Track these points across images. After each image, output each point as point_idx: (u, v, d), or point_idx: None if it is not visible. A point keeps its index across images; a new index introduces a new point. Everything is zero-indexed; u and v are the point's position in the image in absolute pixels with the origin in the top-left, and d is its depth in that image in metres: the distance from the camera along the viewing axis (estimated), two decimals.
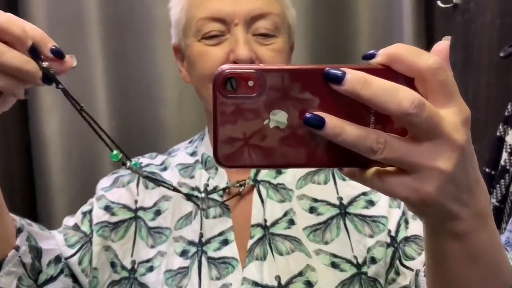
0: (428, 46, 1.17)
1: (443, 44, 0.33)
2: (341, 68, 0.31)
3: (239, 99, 0.33)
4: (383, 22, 1.23)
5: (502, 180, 0.77)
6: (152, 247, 0.64)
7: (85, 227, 0.66)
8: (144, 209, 0.67)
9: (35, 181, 1.20)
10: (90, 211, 0.67)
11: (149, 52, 1.21)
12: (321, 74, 0.32)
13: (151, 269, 0.63)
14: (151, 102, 1.21)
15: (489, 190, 0.79)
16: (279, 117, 0.33)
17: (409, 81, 0.32)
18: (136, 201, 0.68)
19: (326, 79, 0.31)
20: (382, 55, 0.32)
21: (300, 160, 0.33)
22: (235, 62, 0.60)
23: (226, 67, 0.33)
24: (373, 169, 0.33)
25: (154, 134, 1.19)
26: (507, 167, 0.76)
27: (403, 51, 0.31)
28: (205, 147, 0.70)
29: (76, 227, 0.66)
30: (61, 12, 1.17)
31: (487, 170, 0.80)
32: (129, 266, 0.64)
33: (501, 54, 0.82)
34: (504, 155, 0.77)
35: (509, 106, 0.79)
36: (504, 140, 0.78)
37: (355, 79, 0.30)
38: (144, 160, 0.74)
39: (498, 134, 0.80)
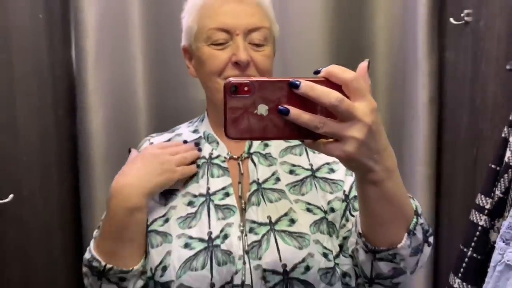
0: (440, 58, 1.26)
1: (363, 64, 0.54)
2: (299, 79, 0.51)
3: (239, 98, 0.52)
4: (399, 36, 1.34)
5: (506, 175, 0.86)
6: (165, 205, 0.82)
7: None
8: None
9: (79, 171, 1.29)
10: None
11: None
12: (288, 83, 0.51)
13: (166, 220, 0.80)
14: (185, 100, 1.30)
15: (494, 183, 0.89)
16: (262, 109, 0.52)
17: (338, 87, 0.51)
18: None
19: (290, 86, 0.51)
20: (323, 72, 0.52)
21: (277, 135, 0.53)
22: (236, 63, 0.78)
23: (232, 79, 0.52)
24: (320, 140, 0.53)
25: None
26: (511, 164, 0.86)
27: (335, 69, 0.51)
28: (206, 127, 0.88)
29: None
30: (108, 17, 1.26)
31: (493, 166, 0.90)
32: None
33: (508, 67, 0.93)
34: (508, 153, 0.87)
35: None
36: (508, 140, 0.88)
37: (306, 86, 0.50)
38: (154, 140, 0.91)
39: (503, 135, 0.90)
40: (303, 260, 0.73)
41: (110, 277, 0.78)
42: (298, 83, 0.50)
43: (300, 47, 1.33)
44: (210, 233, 0.76)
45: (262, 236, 0.75)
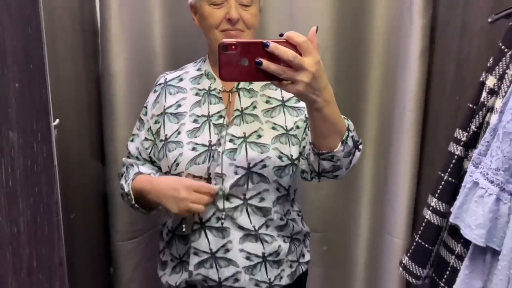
0: (432, 15, 1.38)
1: (312, 29, 0.78)
2: (269, 41, 0.74)
3: (229, 53, 0.75)
4: (395, 10, 1.45)
5: (480, 112, 0.99)
6: (177, 122, 1.10)
7: (150, 136, 1.15)
8: (170, 106, 1.12)
9: (103, 109, 1.42)
10: (150, 128, 1.14)
11: None
12: (261, 44, 0.74)
13: (179, 133, 1.08)
14: (195, 46, 1.34)
15: (471, 120, 1.04)
16: (245, 61, 0.75)
17: (295, 46, 0.75)
18: (164, 106, 1.13)
19: (263, 46, 0.74)
20: (284, 36, 0.76)
21: (256, 78, 0.77)
22: (229, 19, 1.02)
23: (224, 40, 0.75)
24: (282, 82, 0.78)
25: None
26: (485, 103, 1.00)
27: (292, 35, 0.75)
28: (207, 66, 1.15)
29: (146, 139, 1.16)
30: None
31: (470, 105, 1.04)
32: (163, 138, 1.10)
33: (489, 20, 1.05)
34: (483, 94, 1.00)
35: (491, 60, 1.03)
36: (485, 83, 1.02)
37: (273, 46, 0.75)
38: (168, 76, 1.17)
39: (481, 79, 1.04)
40: (262, 161, 1.05)
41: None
42: (268, 44, 0.75)
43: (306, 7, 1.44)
44: (210, 141, 1.06)
45: (238, 145, 1.05)
